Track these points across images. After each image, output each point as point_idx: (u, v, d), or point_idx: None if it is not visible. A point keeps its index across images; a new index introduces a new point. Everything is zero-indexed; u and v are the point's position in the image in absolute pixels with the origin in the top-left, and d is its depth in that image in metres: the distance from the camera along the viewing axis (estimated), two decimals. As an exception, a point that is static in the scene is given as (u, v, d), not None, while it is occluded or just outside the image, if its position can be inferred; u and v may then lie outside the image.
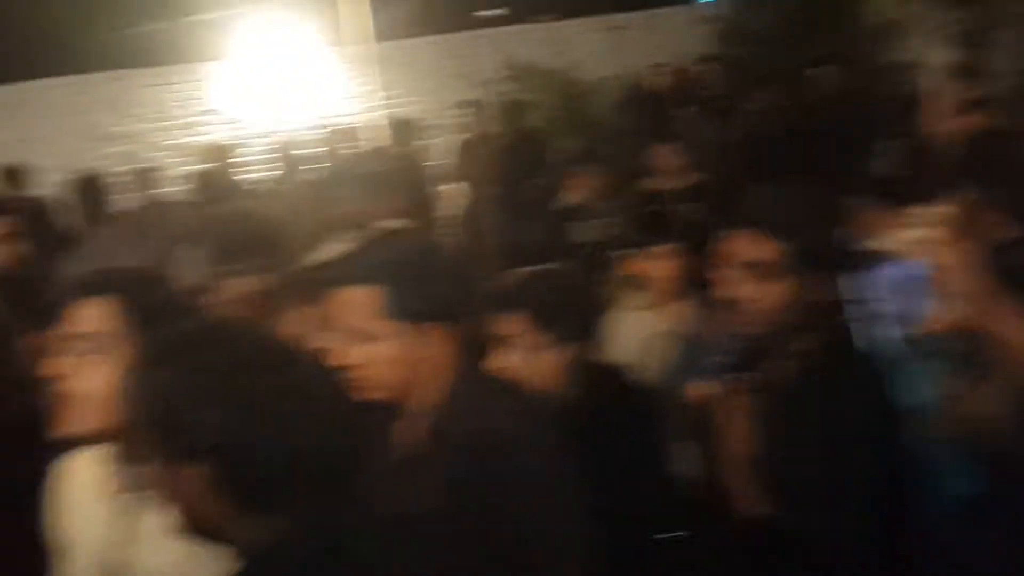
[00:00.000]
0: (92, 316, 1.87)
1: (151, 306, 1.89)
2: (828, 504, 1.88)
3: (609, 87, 10.86)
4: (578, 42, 12.16)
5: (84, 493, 1.98)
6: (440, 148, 9.55)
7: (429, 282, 1.92)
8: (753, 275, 2.02)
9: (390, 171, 7.82)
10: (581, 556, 1.91)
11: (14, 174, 8.28)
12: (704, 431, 2.97)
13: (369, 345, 1.90)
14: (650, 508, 2.22)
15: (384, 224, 4.94)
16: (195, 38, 10.31)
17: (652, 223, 3.84)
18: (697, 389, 3.42)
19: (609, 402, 2.37)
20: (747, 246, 2.04)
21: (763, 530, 1.92)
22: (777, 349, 2.10)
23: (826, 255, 2.03)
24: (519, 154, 8.24)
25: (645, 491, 2.21)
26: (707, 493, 2.39)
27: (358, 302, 1.91)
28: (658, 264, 3.69)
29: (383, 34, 11.18)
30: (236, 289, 3.09)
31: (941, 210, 2.31)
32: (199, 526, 1.50)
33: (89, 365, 1.84)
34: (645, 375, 3.44)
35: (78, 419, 1.87)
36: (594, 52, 12.08)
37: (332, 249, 4.61)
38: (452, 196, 8.76)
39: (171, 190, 8.91)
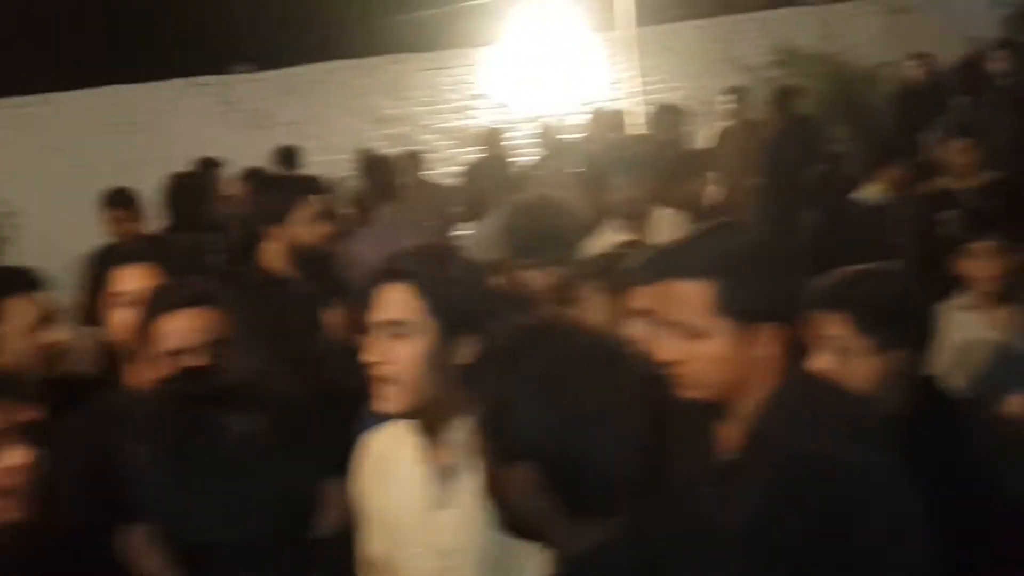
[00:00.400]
0: (397, 301, 1.95)
1: (450, 290, 1.96)
2: None
3: (886, 75, 10.33)
4: (853, 25, 11.61)
5: (391, 465, 2.08)
6: (704, 135, 9.40)
7: (763, 279, 1.83)
8: None
9: (659, 158, 7.81)
10: None
11: (289, 154, 8.82)
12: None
13: (697, 342, 1.82)
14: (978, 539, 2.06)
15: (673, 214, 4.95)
16: (468, 23, 10.61)
17: (977, 219, 3.62)
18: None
19: (932, 417, 2.23)
20: None
21: None
22: None
23: None
24: (791, 142, 7.98)
25: (977, 520, 2.06)
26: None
27: (690, 296, 1.83)
28: (981, 263, 3.49)
29: (647, 18, 11.10)
30: (537, 281, 3.16)
31: None
32: (520, 525, 1.50)
33: (395, 349, 1.94)
34: (955, 382, 3.25)
35: (387, 400, 1.96)
36: (871, 36, 11.52)
37: (610, 238, 4.65)
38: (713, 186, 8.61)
39: (442, 172, 9.28)
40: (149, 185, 10.03)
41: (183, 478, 1.19)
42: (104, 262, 2.82)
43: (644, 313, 2.32)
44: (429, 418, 1.98)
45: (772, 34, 11.41)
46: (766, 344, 1.83)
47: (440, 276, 1.97)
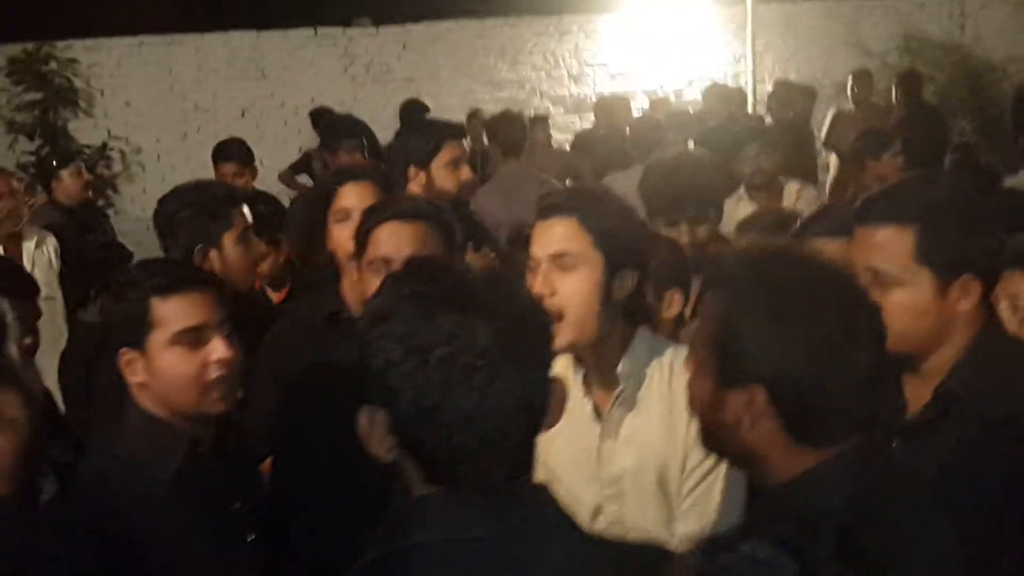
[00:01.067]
0: (563, 234, 2.00)
1: (612, 223, 2.01)
2: None
3: (1014, 70, 10.02)
4: (984, 16, 11.27)
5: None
6: (824, 116, 9.25)
7: (964, 229, 1.79)
8: None
9: (784, 133, 7.71)
10: None
11: (418, 109, 8.87)
12: None
13: (895, 290, 1.78)
14: None
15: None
16: (590, -10, 10.58)
17: None
18: None
19: None
20: None
21: None
22: None
23: None
24: (916, 130, 7.80)
25: None
26: None
27: (890, 242, 1.81)
28: None
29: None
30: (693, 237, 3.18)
31: None
32: (731, 448, 1.52)
33: (563, 281, 1.98)
34: None
35: (555, 334, 2.00)
36: (1002, 28, 11.17)
37: (742, 206, 4.64)
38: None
39: (557, 138, 9.28)
40: (269, 132, 10.32)
41: (421, 378, 1.23)
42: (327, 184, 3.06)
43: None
44: (593, 354, 2.03)
45: (899, 20, 11.14)
46: (963, 297, 1.79)
47: (601, 209, 2.02)
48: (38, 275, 4.30)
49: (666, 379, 2.00)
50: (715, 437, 1.53)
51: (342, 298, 2.62)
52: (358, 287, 2.41)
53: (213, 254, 2.73)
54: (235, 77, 10.71)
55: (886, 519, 1.42)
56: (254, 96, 10.70)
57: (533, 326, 1.30)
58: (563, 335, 1.98)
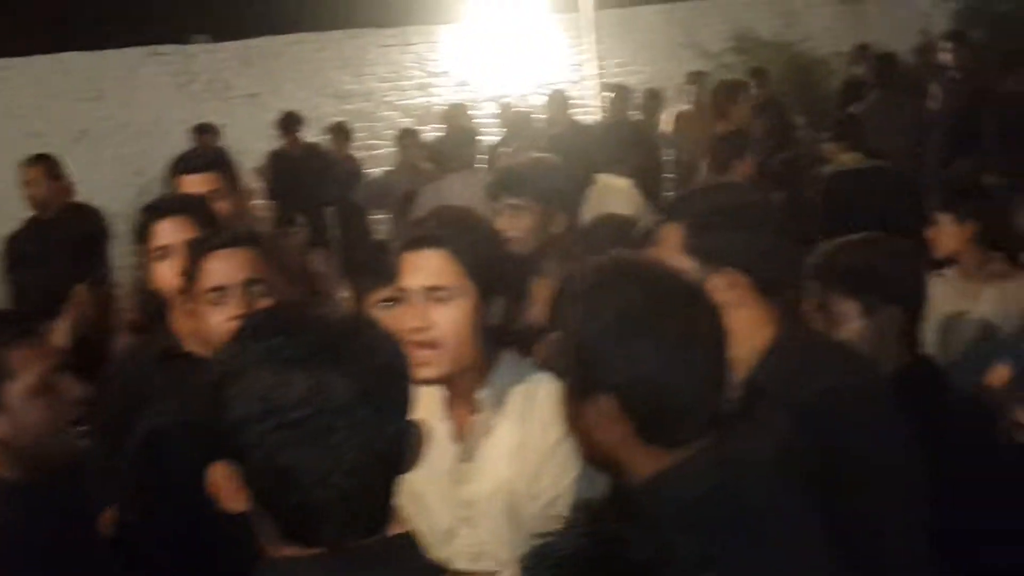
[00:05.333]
0: (434, 267, 1.97)
1: (483, 252, 1.99)
2: None
3: (841, 63, 10.53)
4: (810, 14, 11.82)
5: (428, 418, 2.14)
6: (666, 118, 9.53)
7: (733, 227, 1.92)
8: None
9: (621, 137, 7.89)
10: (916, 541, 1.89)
11: (291, 121, 8.75)
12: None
13: None
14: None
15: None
16: (431, 0, 10.60)
17: (949, 191, 3.76)
18: (1002, 374, 3.34)
19: (920, 383, 2.34)
20: None
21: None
22: None
23: None
24: (770, 125, 8.10)
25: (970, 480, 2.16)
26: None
27: (669, 238, 1.95)
28: (947, 234, 3.61)
29: (611, 1, 11.19)
30: (512, 224, 3.25)
31: None
32: (597, 455, 1.56)
33: (436, 314, 1.98)
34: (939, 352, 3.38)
35: (428, 365, 1.99)
36: (828, 25, 11.73)
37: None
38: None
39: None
40: (108, 153, 9.96)
41: (285, 440, 1.19)
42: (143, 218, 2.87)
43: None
44: (458, 378, 2.02)
45: (731, 20, 11.57)
46: (728, 288, 1.89)
47: (470, 238, 2.01)
48: None
49: (527, 404, 2.02)
50: (582, 445, 1.60)
51: (174, 334, 2.54)
52: (190, 322, 2.32)
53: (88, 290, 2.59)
54: (73, 99, 10.32)
55: (739, 510, 1.49)
56: (93, 118, 10.32)
57: (395, 377, 1.27)
58: (438, 366, 1.97)
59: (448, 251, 1.97)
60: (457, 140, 8.27)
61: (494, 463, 2.00)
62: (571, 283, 1.58)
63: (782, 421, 1.84)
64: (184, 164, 3.25)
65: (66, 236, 5.45)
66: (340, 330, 1.25)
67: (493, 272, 1.99)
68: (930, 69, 8.80)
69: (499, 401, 2.02)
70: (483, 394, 2.02)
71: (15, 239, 5.55)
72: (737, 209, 1.99)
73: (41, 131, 10.19)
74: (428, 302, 1.97)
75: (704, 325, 1.52)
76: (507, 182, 3.43)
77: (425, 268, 1.98)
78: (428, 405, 2.12)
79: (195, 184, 3.12)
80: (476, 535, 2.00)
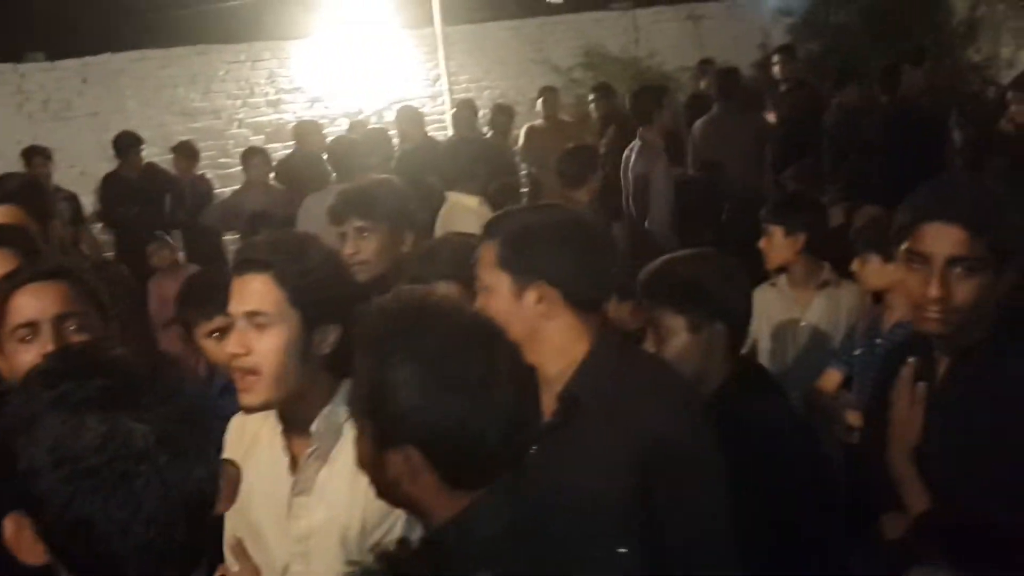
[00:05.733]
0: (255, 292, 1.94)
1: (309, 278, 1.95)
2: (1004, 502, 1.90)
3: (687, 78, 10.85)
4: (655, 31, 12.15)
5: (253, 450, 2.09)
6: (515, 133, 9.63)
7: (546, 243, 1.98)
8: (958, 272, 1.95)
9: (472, 153, 7.93)
10: (729, 555, 1.96)
11: (128, 142, 8.47)
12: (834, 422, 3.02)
13: (485, 295, 1.99)
14: (798, 505, 2.25)
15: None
16: (280, 15, 10.43)
17: (780, 204, 3.90)
18: (833, 379, 3.48)
19: (748, 392, 2.41)
20: (947, 240, 1.95)
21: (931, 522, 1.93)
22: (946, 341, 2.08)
23: (1013, 250, 1.97)
24: (611, 138, 8.26)
25: (793, 490, 2.24)
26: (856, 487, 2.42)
27: (486, 255, 2.01)
28: (778, 245, 3.75)
29: (461, 17, 11.25)
30: (354, 247, 3.24)
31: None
32: (402, 502, 1.55)
33: (257, 340, 1.93)
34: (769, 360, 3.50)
35: (251, 392, 1.96)
36: (671, 41, 12.07)
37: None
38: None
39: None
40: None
41: (80, 491, 1.13)
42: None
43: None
44: (292, 408, 1.99)
45: (580, 36, 11.78)
46: (540, 301, 1.96)
47: (298, 265, 1.95)
48: None
49: None
50: (383, 493, 1.57)
51: None
52: (5, 361, 2.20)
53: None
54: None
55: (542, 543, 1.49)
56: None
57: (197, 419, 1.22)
58: (257, 393, 1.94)
59: (270, 276, 1.93)
60: (307, 159, 8.18)
61: (328, 497, 1.97)
62: (365, 329, 1.55)
63: (598, 435, 1.88)
64: None
65: None
66: (137, 372, 1.20)
67: (321, 299, 1.93)
68: (767, 83, 9.17)
69: (335, 432, 1.99)
70: (315, 426, 1.99)
71: None
72: (550, 226, 2.04)
73: None
74: (249, 327, 1.93)
75: (504, 365, 1.51)
76: (352, 204, 3.40)
77: (246, 293, 1.94)
78: (270, 436, 2.07)
79: None
80: (309, 571, 1.96)
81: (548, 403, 1.91)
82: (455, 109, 9.46)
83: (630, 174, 6.73)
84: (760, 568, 1.98)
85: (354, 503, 1.93)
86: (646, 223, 6.46)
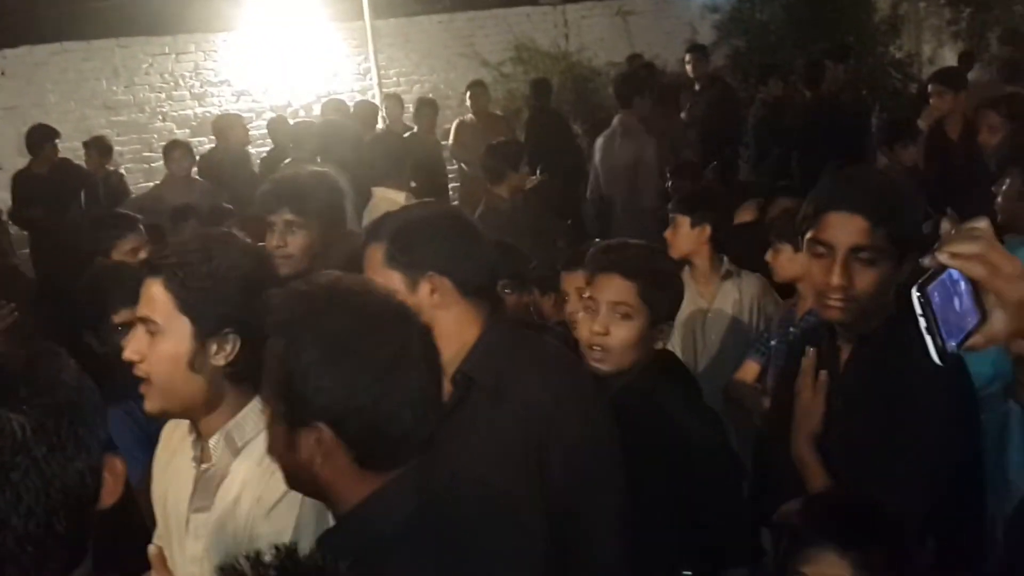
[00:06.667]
0: (150, 297, 1.87)
1: (200, 287, 1.85)
2: (894, 485, 1.95)
3: (616, 72, 10.90)
4: (585, 25, 12.20)
5: (172, 459, 2.05)
6: (447, 127, 9.61)
7: (430, 237, 2.05)
8: (859, 261, 2.01)
9: (401, 147, 7.89)
10: (618, 531, 2.00)
11: (42, 136, 8.27)
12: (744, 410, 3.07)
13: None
14: (707, 494, 2.30)
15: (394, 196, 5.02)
16: (207, 7, 10.27)
17: (686, 196, 3.96)
18: (751, 370, 3.54)
19: (663, 379, 2.44)
20: (849, 229, 2.01)
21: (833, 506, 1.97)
22: (850, 329, 2.13)
23: (913, 241, 2.02)
24: (545, 132, 8.29)
25: (701, 479, 2.29)
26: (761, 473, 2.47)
27: (373, 258, 2.06)
28: (683, 236, 3.80)
29: (390, 11, 11.19)
30: (282, 240, 3.21)
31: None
32: (309, 485, 1.54)
33: (148, 347, 1.86)
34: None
35: (147, 399, 1.91)
36: (600, 36, 12.13)
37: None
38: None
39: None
40: None
41: None
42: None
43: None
44: (197, 419, 1.93)
45: (510, 31, 11.78)
46: (433, 291, 2.02)
47: (192, 270, 1.85)
48: None
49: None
50: (294, 478, 1.56)
51: None
52: None
53: None
54: None
55: (449, 527, 1.50)
56: None
57: (78, 413, 1.20)
58: (152, 401, 1.89)
59: (161, 280, 1.87)
60: (229, 153, 8.07)
61: (217, 517, 1.90)
62: (276, 314, 1.54)
63: (491, 413, 1.90)
64: None
65: None
66: (11, 366, 1.18)
67: (215, 308, 1.84)
68: (682, 82, 9.28)
69: (235, 448, 1.90)
70: (214, 440, 1.92)
71: None
72: (429, 220, 2.10)
73: None
74: (145, 334, 1.88)
75: (416, 346, 1.52)
76: (284, 196, 3.35)
77: (144, 297, 1.88)
78: (183, 445, 2.01)
79: None
80: None
81: (447, 386, 1.92)
82: (385, 102, 9.43)
83: (614, 160, 6.77)
84: (662, 545, 2.03)
85: (246, 526, 1.84)
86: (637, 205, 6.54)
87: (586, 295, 2.46)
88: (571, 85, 11.38)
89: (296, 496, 1.75)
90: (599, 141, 7.04)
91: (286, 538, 1.73)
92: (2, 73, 9.88)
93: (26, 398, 1.15)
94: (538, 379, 1.99)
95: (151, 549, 1.81)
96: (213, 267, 1.88)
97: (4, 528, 1.12)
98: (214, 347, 1.87)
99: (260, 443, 1.81)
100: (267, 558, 1.18)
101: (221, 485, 1.90)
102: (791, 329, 3.50)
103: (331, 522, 1.62)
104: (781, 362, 2.72)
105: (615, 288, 2.38)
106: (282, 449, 1.53)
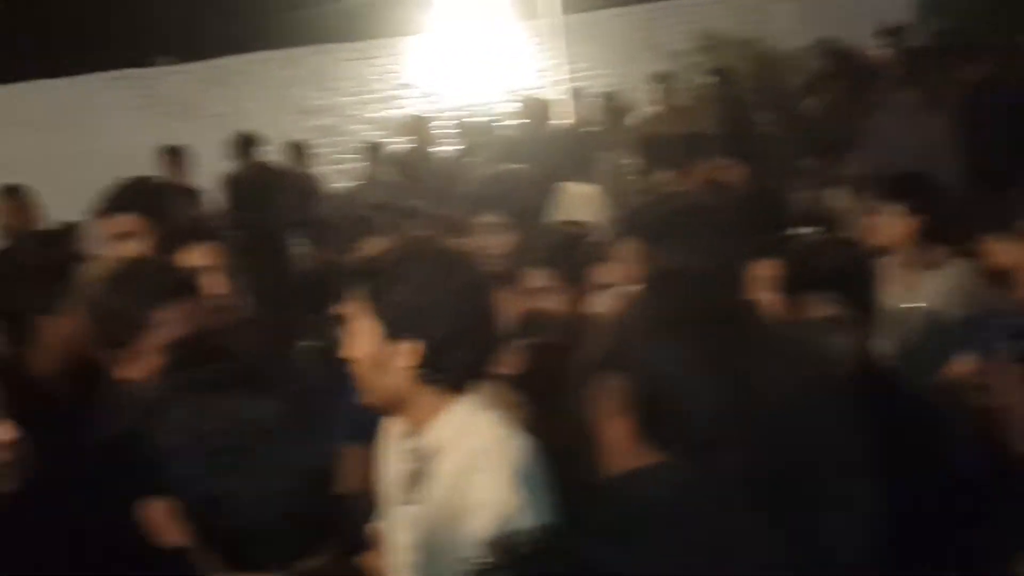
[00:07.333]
0: (349, 300, 1.91)
1: (396, 289, 1.88)
2: None
3: (807, 58, 10.57)
4: (772, 11, 11.88)
5: (387, 449, 2.11)
6: (632, 121, 9.55)
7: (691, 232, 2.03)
8: None
9: (586, 142, 7.90)
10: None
11: (248, 142, 8.71)
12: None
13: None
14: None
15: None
16: (393, 12, 10.59)
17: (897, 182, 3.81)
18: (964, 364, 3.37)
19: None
20: None
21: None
22: None
23: None
24: (731, 127, 8.11)
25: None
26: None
27: (628, 253, 2.05)
28: (891, 225, 3.65)
29: (571, 6, 11.22)
30: (492, 243, 3.23)
31: None
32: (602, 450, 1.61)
33: (351, 344, 1.94)
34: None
35: (361, 393, 1.97)
36: (790, 21, 11.79)
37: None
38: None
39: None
40: (72, 181, 9.88)
41: (206, 465, 1.20)
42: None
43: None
44: (405, 415, 1.98)
45: (692, 19, 11.61)
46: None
47: (391, 273, 1.91)
48: None
49: (470, 446, 1.89)
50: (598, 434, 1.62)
51: None
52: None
53: (50, 321, 2.59)
54: (31, 129, 10.24)
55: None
56: (52, 146, 10.25)
57: (320, 399, 1.27)
58: (361, 395, 1.92)
59: (357, 284, 1.91)
60: (419, 153, 8.27)
61: (426, 511, 1.94)
62: (655, 324, 1.59)
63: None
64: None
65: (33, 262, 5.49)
66: (261, 354, 1.25)
67: (402, 312, 1.88)
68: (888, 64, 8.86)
69: (438, 447, 1.91)
70: (419, 438, 1.95)
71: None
72: (691, 213, 2.06)
73: (5, 161, 10.12)
74: (348, 332, 1.93)
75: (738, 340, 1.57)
76: (488, 199, 3.39)
77: (346, 300, 1.94)
78: (397, 442, 2.07)
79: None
80: None
81: None
82: (570, 99, 9.44)
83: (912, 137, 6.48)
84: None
85: (454, 518, 1.85)
86: None
87: None
88: (760, 72, 11.09)
89: (502, 492, 1.78)
90: (878, 118, 6.67)
91: (493, 532, 1.76)
92: (210, 82, 10.50)
93: (273, 385, 1.21)
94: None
95: (371, 529, 1.87)
96: (402, 273, 1.92)
97: (256, 510, 1.18)
98: (401, 349, 1.92)
99: (460, 444, 1.88)
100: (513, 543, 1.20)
101: (425, 483, 1.94)
102: (1004, 320, 3.30)
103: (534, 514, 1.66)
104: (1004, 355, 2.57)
105: None
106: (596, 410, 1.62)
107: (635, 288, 1.65)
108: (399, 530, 2.00)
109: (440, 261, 1.97)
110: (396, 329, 1.88)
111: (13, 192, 5.78)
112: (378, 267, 1.94)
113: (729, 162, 5.37)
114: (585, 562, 1.15)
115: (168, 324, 2.09)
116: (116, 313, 2.15)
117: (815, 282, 2.37)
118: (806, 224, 3.46)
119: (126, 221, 3.04)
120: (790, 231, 2.85)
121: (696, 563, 1.47)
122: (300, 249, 7.69)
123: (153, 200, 3.25)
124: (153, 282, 2.20)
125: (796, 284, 2.39)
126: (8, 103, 10.25)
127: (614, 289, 2.38)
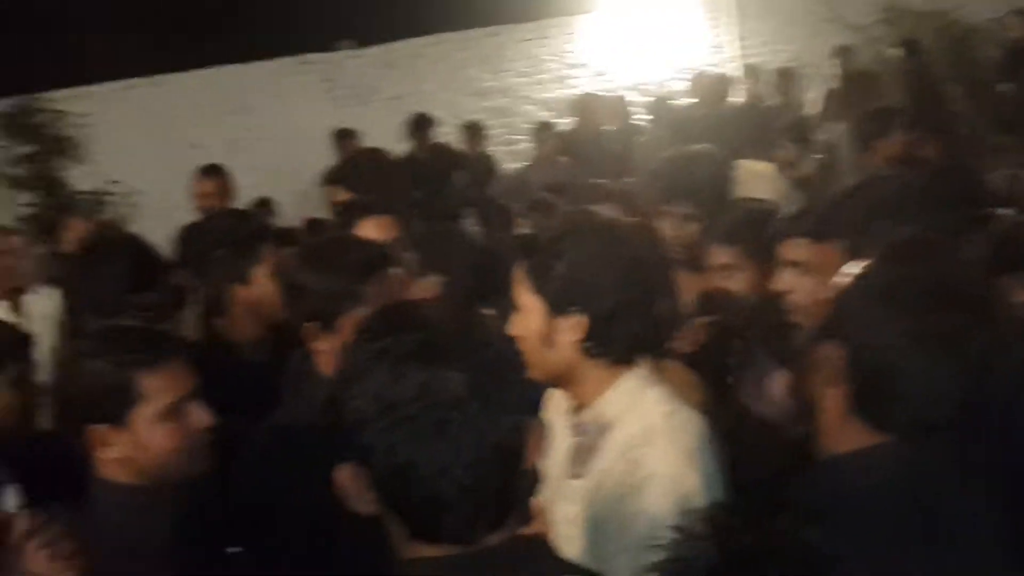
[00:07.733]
0: (516, 277, 1.95)
1: (557, 267, 1.91)
2: None
3: (999, 30, 9.98)
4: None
5: (555, 423, 2.12)
6: (812, 97, 9.25)
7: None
8: None
9: (762, 119, 7.71)
10: None
11: (423, 123, 8.91)
12: None
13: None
14: None
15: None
16: (567, -8, 10.60)
17: None
18: None
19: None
20: None
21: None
22: None
23: None
24: (919, 101, 7.75)
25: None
26: None
27: (826, 256, 2.03)
28: None
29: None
30: (680, 231, 3.16)
31: None
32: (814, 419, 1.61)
33: (516, 321, 1.93)
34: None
35: (529, 368, 1.98)
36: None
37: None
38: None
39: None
40: (261, 163, 10.36)
41: (395, 434, 1.22)
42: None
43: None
44: (571, 390, 1.99)
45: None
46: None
47: (552, 249, 1.92)
48: (39, 326, 4.32)
49: (638, 426, 1.89)
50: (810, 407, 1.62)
51: None
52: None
53: (243, 291, 2.75)
54: (222, 112, 10.76)
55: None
56: (242, 129, 10.73)
57: (506, 371, 1.28)
58: (529, 369, 1.91)
59: (521, 263, 1.94)
60: (590, 132, 8.25)
61: (590, 484, 1.92)
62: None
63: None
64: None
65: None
66: (451, 326, 1.27)
67: (565, 288, 1.90)
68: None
69: (605, 422, 1.93)
70: (585, 413, 1.96)
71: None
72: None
73: (198, 143, 10.67)
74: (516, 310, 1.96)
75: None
76: (680, 187, 3.30)
77: (514, 277, 1.97)
78: (563, 416, 2.09)
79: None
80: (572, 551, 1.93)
81: None
82: (758, 75, 9.19)
83: None
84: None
85: (618, 497, 1.86)
86: None
87: None
88: (948, 45, 10.54)
89: (675, 467, 1.77)
90: None
91: (660, 511, 1.78)
92: (388, 65, 10.77)
93: (462, 357, 1.23)
94: None
95: (534, 502, 1.89)
96: (562, 248, 1.93)
97: (445, 479, 1.21)
98: (565, 324, 1.91)
99: (629, 419, 1.88)
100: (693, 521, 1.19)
101: (593, 457, 1.95)
102: None
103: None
104: None
105: None
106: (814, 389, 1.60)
107: (860, 263, 1.60)
108: (564, 504, 2.01)
109: (602, 235, 1.97)
110: (559, 304, 1.89)
111: (212, 171, 6.07)
112: (539, 243, 1.97)
113: (922, 137, 5.11)
114: (790, 542, 1.13)
115: (369, 298, 2.18)
116: (320, 289, 2.25)
117: (1017, 265, 2.24)
118: (1003, 205, 3.26)
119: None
120: (987, 211, 2.69)
121: (909, 555, 1.43)
122: (472, 228, 7.81)
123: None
124: (356, 258, 2.29)
125: (996, 267, 2.26)
126: (201, 87, 10.78)
127: (802, 267, 2.31)
